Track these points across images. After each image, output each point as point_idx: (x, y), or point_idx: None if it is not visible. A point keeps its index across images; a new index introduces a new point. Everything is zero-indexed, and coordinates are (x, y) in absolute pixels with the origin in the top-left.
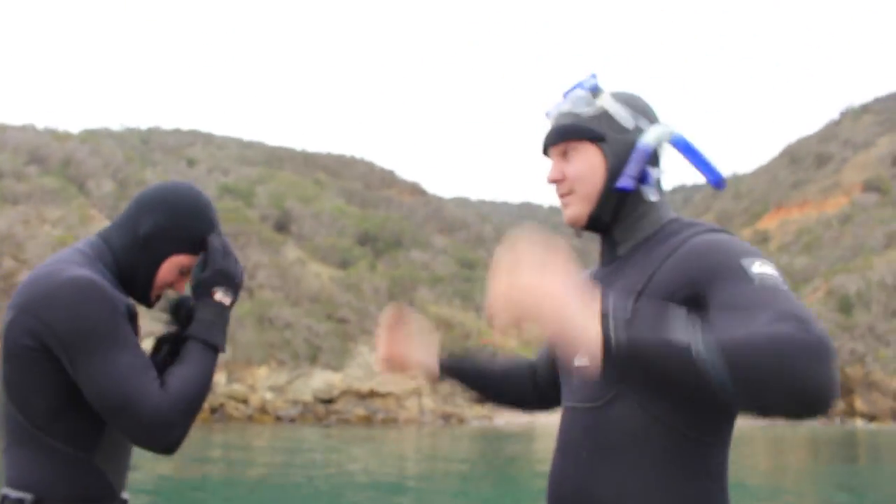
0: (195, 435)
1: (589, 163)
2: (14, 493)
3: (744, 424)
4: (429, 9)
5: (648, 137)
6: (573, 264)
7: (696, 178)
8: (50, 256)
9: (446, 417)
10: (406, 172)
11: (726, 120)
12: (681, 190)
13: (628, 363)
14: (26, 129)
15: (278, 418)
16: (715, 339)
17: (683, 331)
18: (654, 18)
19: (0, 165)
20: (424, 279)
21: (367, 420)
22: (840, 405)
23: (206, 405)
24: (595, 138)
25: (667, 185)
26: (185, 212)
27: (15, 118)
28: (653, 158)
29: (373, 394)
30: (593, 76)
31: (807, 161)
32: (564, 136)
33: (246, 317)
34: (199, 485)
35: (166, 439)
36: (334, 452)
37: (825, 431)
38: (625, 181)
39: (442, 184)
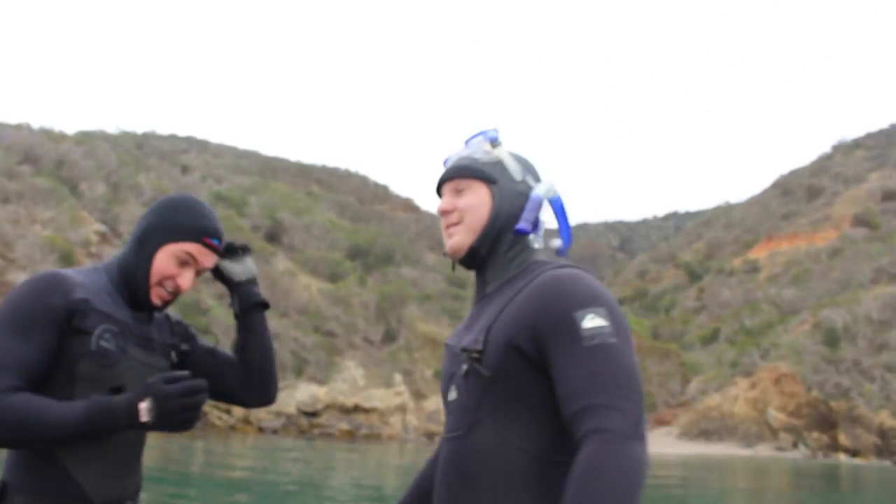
0: (175, 445)
1: (479, 199)
2: None
3: (726, 453)
4: (427, 24)
5: (540, 190)
6: None
7: (688, 205)
8: None
9: (430, 435)
10: (400, 188)
11: (719, 149)
12: (672, 217)
13: None
14: (21, 129)
15: (261, 429)
16: None
17: None
18: (652, 29)
19: None
20: (414, 296)
21: (351, 435)
22: (824, 439)
23: None
24: (487, 180)
25: (658, 211)
26: (176, 206)
27: (10, 117)
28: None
29: (357, 409)
30: (495, 130)
31: (798, 193)
32: (461, 173)
33: (233, 326)
34: (179, 493)
35: None
36: (315, 464)
37: (807, 465)
38: (522, 225)
39: (436, 200)
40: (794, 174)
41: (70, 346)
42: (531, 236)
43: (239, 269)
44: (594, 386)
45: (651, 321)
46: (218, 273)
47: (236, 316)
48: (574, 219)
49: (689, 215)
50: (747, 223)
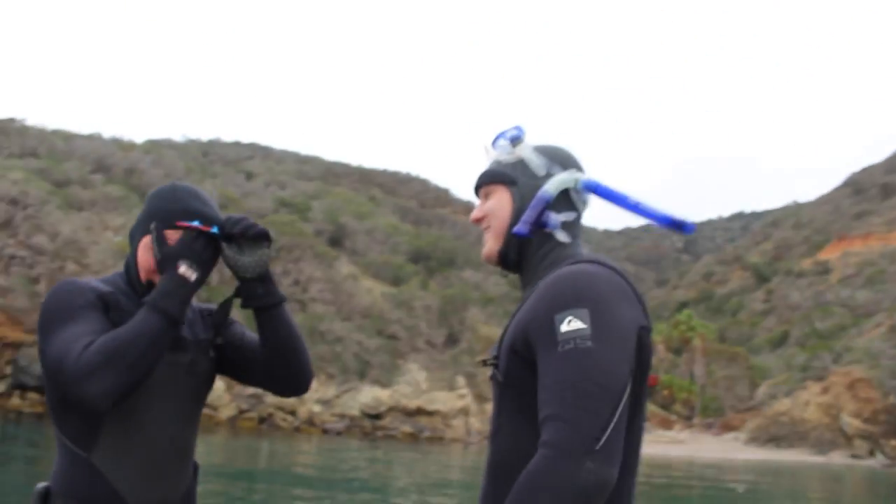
0: (242, 444)
1: (499, 203)
2: (40, 485)
3: (797, 459)
4: (491, 28)
5: (548, 185)
6: None
7: (755, 205)
8: None
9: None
10: (461, 191)
11: (787, 146)
12: (738, 217)
13: None
14: (93, 139)
15: (325, 431)
16: None
17: None
18: (662, 26)
19: (68, 173)
20: (476, 299)
21: (414, 437)
22: None
23: (255, 415)
24: (507, 182)
25: (724, 211)
26: (154, 195)
27: (83, 127)
28: (561, 203)
29: (420, 411)
30: (516, 128)
31: (871, 191)
32: (484, 180)
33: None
34: (248, 487)
35: (88, 390)
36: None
37: (885, 474)
38: (520, 227)
39: None
40: (867, 171)
41: None
42: (557, 232)
43: (248, 261)
44: (556, 395)
45: (717, 324)
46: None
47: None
48: (637, 220)
49: (755, 215)
50: (817, 223)
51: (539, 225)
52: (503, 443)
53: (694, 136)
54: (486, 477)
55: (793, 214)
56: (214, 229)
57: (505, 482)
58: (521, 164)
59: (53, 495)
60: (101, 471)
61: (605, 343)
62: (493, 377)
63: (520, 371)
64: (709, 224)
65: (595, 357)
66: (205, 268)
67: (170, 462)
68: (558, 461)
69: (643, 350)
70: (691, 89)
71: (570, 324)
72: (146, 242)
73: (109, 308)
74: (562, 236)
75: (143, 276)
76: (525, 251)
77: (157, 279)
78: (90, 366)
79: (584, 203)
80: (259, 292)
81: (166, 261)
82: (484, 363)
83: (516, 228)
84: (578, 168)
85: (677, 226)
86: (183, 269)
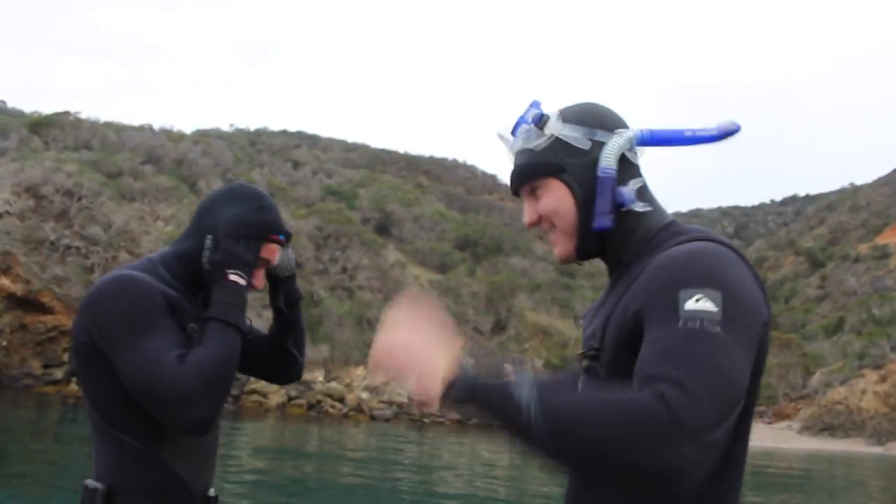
0: (291, 429)
1: (557, 198)
2: (92, 483)
3: (853, 449)
4: (540, 13)
5: (606, 160)
6: (446, 325)
7: (809, 188)
8: None
9: None
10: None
11: (842, 127)
12: (791, 201)
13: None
14: (144, 130)
15: (373, 417)
16: (555, 403)
17: (519, 397)
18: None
19: (119, 164)
20: (523, 286)
21: (461, 424)
22: None
23: (303, 401)
24: (554, 172)
25: (776, 195)
26: (240, 202)
27: (134, 119)
28: (623, 170)
29: None
30: (534, 104)
31: None
32: (524, 178)
33: (345, 317)
34: (297, 479)
35: (189, 418)
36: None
37: None
38: (601, 221)
39: None
40: None
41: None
42: (636, 205)
43: (282, 260)
44: (678, 363)
45: (770, 311)
46: None
47: (277, 308)
48: (686, 205)
49: (809, 199)
50: (875, 206)
51: (615, 206)
52: None
53: (743, 118)
54: (574, 479)
55: (849, 197)
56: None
57: (603, 483)
58: (558, 143)
59: (118, 493)
60: (170, 464)
61: (735, 335)
62: (588, 370)
63: (629, 363)
64: (761, 208)
65: (725, 346)
66: (250, 272)
67: (212, 448)
68: (665, 424)
69: (762, 349)
70: (733, 67)
71: (699, 303)
72: None
73: (175, 312)
74: (641, 207)
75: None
76: (606, 236)
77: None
78: (191, 395)
79: (638, 157)
80: (295, 289)
81: (215, 270)
82: (583, 355)
83: (597, 224)
84: (619, 123)
85: (731, 133)
86: (232, 276)
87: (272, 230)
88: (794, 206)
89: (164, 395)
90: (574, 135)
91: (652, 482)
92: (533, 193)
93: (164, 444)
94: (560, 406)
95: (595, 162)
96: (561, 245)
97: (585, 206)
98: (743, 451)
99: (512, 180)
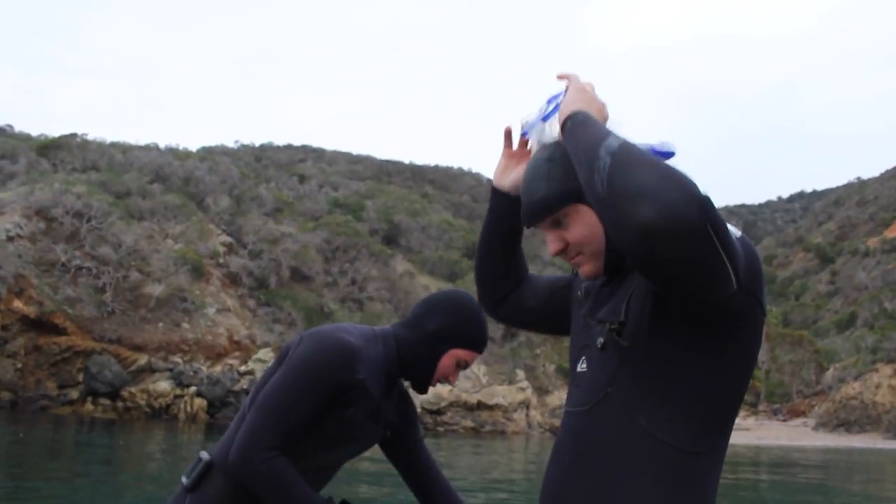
0: None
1: (586, 223)
2: (204, 454)
3: (869, 445)
4: (531, 23)
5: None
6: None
7: (815, 184)
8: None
9: (553, 430)
10: None
11: (846, 121)
12: (798, 197)
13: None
14: (150, 149)
15: None
16: (626, 147)
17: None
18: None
19: (127, 184)
20: None
21: (475, 431)
22: None
23: None
24: (578, 197)
25: (783, 192)
26: (468, 315)
27: (140, 138)
28: None
29: (480, 405)
30: (524, 133)
31: None
32: (549, 210)
33: None
34: None
35: (236, 464)
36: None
37: None
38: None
39: None
40: None
41: (330, 407)
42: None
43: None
44: None
45: (780, 308)
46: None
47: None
48: None
49: (816, 194)
50: (883, 199)
51: None
52: (609, 415)
53: (747, 116)
54: (569, 452)
55: (857, 192)
56: None
57: (605, 460)
58: (571, 166)
59: (216, 469)
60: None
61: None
62: (605, 345)
63: (662, 339)
64: (768, 206)
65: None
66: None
67: (322, 481)
68: (689, 183)
69: (759, 334)
70: (737, 64)
71: None
72: (458, 356)
73: (349, 392)
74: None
75: (436, 379)
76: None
77: (441, 379)
78: (249, 473)
79: None
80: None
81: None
82: (609, 327)
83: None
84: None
85: (667, 155)
86: None
87: (485, 344)
88: (802, 203)
89: (248, 436)
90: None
91: (665, 229)
92: (556, 223)
93: (292, 451)
94: (633, 150)
95: None
96: (590, 265)
97: None
98: (724, 444)
99: (532, 214)
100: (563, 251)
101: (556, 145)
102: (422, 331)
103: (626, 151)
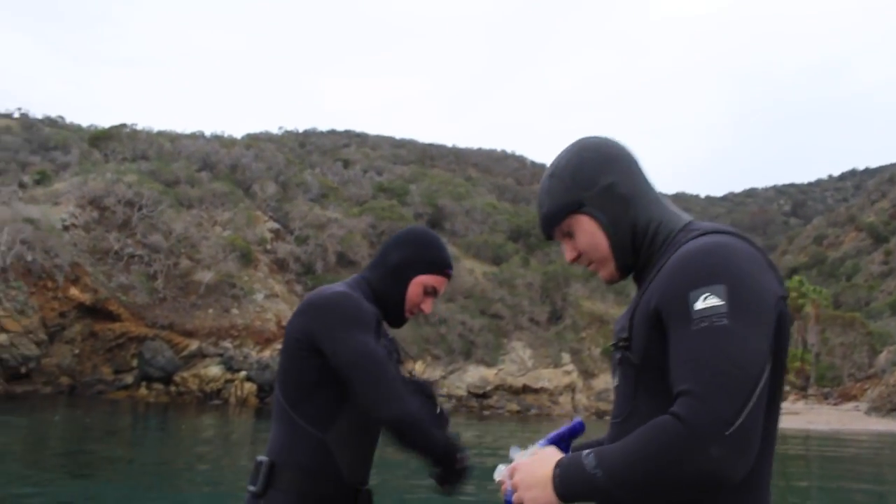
0: None
1: (587, 233)
2: (261, 458)
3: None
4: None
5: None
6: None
7: (868, 161)
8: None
9: (599, 413)
10: None
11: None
12: (850, 175)
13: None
14: (196, 138)
15: None
16: (608, 460)
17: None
18: None
19: (176, 172)
20: (577, 274)
21: (521, 415)
22: None
23: None
24: (575, 209)
25: (834, 170)
26: (426, 241)
27: (185, 126)
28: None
29: (526, 389)
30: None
31: None
32: (552, 223)
33: None
34: None
35: (394, 411)
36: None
37: None
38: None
39: None
40: None
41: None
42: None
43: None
44: (689, 372)
45: (831, 289)
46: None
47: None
48: (740, 185)
49: (869, 172)
50: None
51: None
52: (637, 426)
53: (796, 93)
54: None
55: None
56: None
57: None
58: (570, 181)
59: (280, 467)
60: (331, 449)
61: (744, 320)
62: (622, 360)
63: (657, 349)
64: (818, 184)
65: (731, 336)
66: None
67: (372, 446)
68: (684, 438)
69: (783, 321)
70: (785, 42)
71: (706, 300)
72: (424, 282)
73: (378, 325)
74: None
75: (407, 309)
76: (639, 249)
77: (414, 309)
78: (409, 413)
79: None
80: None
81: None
82: (614, 346)
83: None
84: (610, 158)
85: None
86: (461, 459)
87: (448, 266)
88: (854, 181)
89: (380, 388)
90: (578, 169)
91: (707, 489)
92: (567, 234)
93: (329, 430)
94: (612, 460)
95: (610, 187)
96: (604, 270)
97: (614, 229)
98: (772, 425)
99: (542, 228)
100: (578, 259)
101: (557, 161)
102: (385, 267)
103: (610, 471)
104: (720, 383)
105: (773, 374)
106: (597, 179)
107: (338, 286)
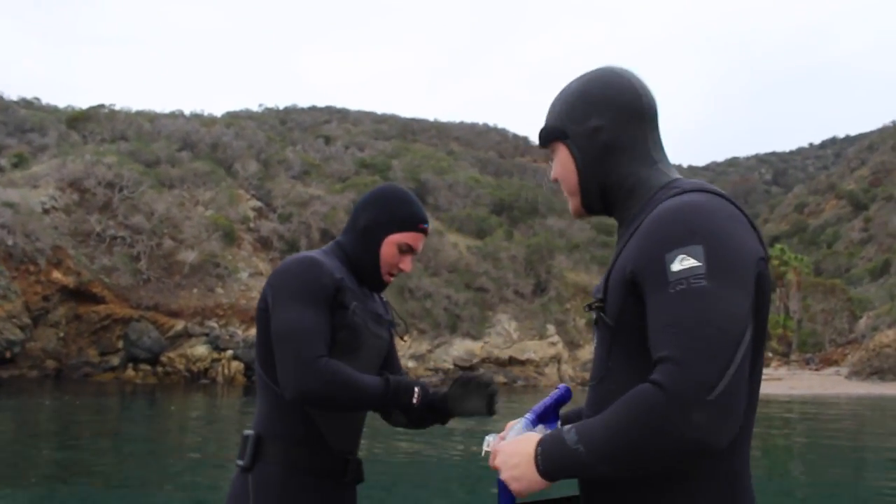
0: None
1: (561, 163)
2: (247, 432)
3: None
4: None
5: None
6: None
7: (848, 129)
8: None
9: (586, 384)
10: None
11: (880, 61)
12: (830, 143)
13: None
14: (176, 117)
15: None
16: (589, 435)
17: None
18: None
19: (156, 152)
20: (561, 246)
21: (507, 387)
22: None
23: None
24: (559, 137)
25: (814, 138)
26: (394, 199)
27: (164, 106)
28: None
29: (512, 361)
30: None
31: None
32: (541, 142)
33: (388, 288)
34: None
35: (291, 396)
36: None
37: None
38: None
39: None
40: None
41: (334, 319)
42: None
43: (468, 407)
44: (669, 337)
45: (812, 257)
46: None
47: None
48: (723, 154)
49: (849, 140)
50: None
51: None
52: (611, 390)
53: (775, 59)
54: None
55: (891, 136)
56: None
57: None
58: (564, 109)
59: (265, 439)
60: (314, 419)
61: (723, 281)
62: (597, 321)
63: (632, 312)
64: (799, 153)
65: (711, 297)
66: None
67: (361, 419)
68: (664, 405)
69: (763, 282)
70: (765, 7)
71: (683, 262)
72: (396, 241)
73: (338, 294)
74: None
75: (384, 271)
76: (609, 196)
77: (393, 269)
78: (305, 391)
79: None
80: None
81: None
82: (589, 307)
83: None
84: (619, 97)
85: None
86: (418, 389)
87: (421, 221)
88: (834, 149)
89: (294, 366)
90: (578, 104)
91: (692, 457)
92: (553, 153)
93: None
94: (593, 434)
95: (595, 131)
96: (572, 202)
97: (585, 170)
98: (755, 382)
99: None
100: (557, 183)
101: (574, 81)
102: (355, 231)
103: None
104: (700, 347)
105: (755, 335)
106: (588, 117)
107: (310, 253)
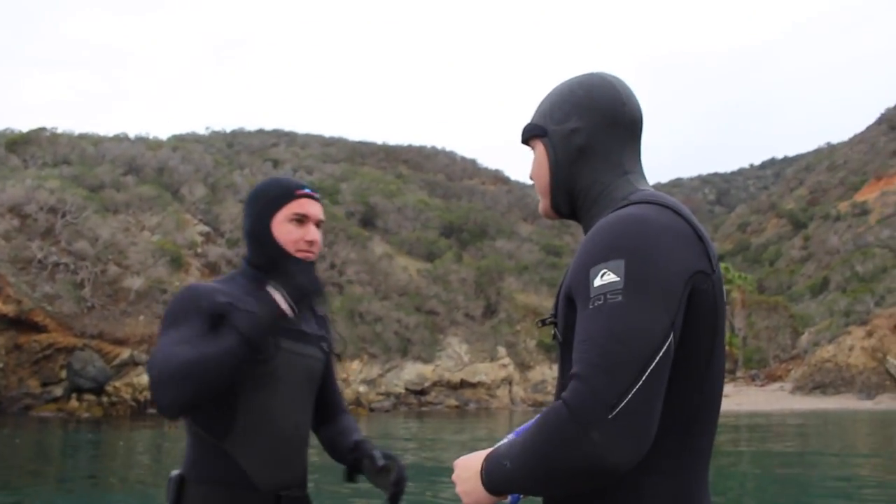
0: None
1: (538, 160)
2: (173, 473)
3: (845, 406)
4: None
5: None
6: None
7: (786, 150)
8: None
9: (537, 405)
10: (488, 160)
11: (815, 86)
12: (770, 164)
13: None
14: (121, 140)
15: (372, 410)
16: (510, 455)
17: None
18: None
19: (100, 176)
20: (511, 268)
21: (460, 410)
22: None
23: None
24: (538, 134)
25: (754, 159)
26: (260, 189)
27: (109, 129)
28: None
29: (464, 384)
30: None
31: None
32: (522, 138)
33: (337, 312)
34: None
35: (155, 397)
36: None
37: None
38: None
39: (525, 169)
40: None
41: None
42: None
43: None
44: (580, 353)
45: (755, 274)
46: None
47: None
48: (668, 175)
49: (788, 161)
50: (853, 164)
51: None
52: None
53: (719, 85)
54: None
55: (826, 157)
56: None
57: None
58: (546, 108)
59: (188, 481)
60: (234, 456)
61: (639, 296)
62: (554, 337)
63: (574, 327)
64: (740, 173)
65: (622, 312)
66: (299, 296)
67: (293, 448)
68: (566, 423)
69: (701, 297)
70: (706, 34)
71: (603, 277)
72: (281, 219)
73: (224, 317)
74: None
75: (292, 251)
76: (576, 201)
77: (301, 244)
78: (162, 380)
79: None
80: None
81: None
82: (542, 322)
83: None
84: (600, 103)
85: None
86: (278, 295)
87: (294, 188)
88: (773, 169)
89: (150, 376)
90: (557, 103)
91: (596, 477)
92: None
93: (228, 437)
94: (515, 450)
95: (572, 132)
96: (541, 202)
97: (557, 171)
98: (707, 402)
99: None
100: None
101: (563, 82)
102: (248, 238)
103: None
104: (603, 364)
105: (690, 351)
106: (568, 118)
107: (199, 282)
